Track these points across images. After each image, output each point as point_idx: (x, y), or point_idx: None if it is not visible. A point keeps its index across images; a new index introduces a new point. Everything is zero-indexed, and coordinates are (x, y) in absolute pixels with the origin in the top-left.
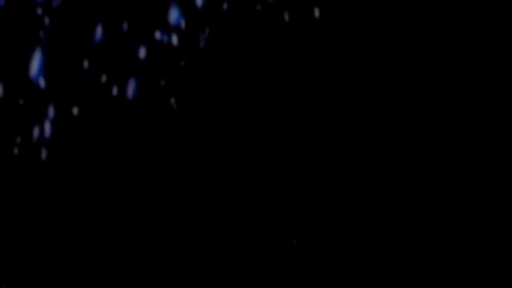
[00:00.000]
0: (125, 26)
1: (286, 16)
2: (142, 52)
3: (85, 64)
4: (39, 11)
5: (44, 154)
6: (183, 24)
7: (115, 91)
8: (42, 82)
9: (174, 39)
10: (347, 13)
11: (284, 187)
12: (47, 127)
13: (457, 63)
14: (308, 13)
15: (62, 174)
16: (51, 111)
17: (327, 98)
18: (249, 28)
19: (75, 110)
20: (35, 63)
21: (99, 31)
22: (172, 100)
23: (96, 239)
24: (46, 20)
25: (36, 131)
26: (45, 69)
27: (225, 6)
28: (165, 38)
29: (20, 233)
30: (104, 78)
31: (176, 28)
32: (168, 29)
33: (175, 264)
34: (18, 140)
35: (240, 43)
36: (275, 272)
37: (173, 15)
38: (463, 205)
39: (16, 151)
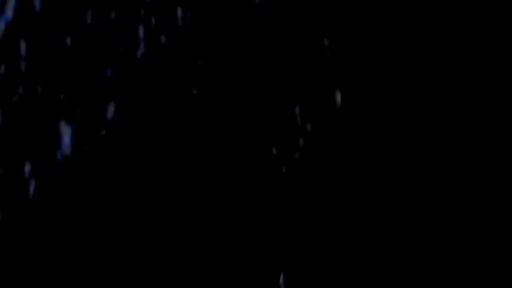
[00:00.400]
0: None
1: (286, 17)
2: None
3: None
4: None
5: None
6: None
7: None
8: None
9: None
10: (347, 13)
11: (282, 188)
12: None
13: (457, 63)
14: (309, 13)
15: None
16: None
17: (327, 98)
18: (249, 28)
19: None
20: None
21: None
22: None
23: (95, 241)
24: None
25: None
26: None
27: (225, 5)
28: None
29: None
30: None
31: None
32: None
33: (175, 265)
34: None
35: (240, 42)
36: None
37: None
38: (464, 208)
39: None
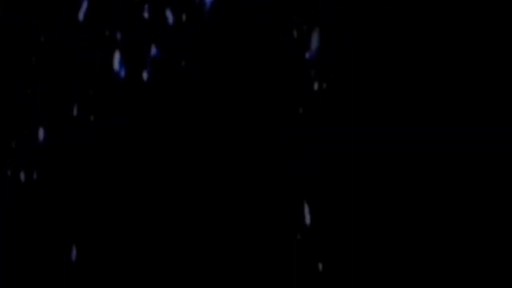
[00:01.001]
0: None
1: (286, 16)
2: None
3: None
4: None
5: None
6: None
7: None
8: None
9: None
10: (347, 13)
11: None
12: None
13: (458, 64)
14: (308, 12)
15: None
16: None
17: (326, 98)
18: (248, 27)
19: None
20: None
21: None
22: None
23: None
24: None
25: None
26: None
27: (225, 4)
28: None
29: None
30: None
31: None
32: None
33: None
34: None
35: (239, 42)
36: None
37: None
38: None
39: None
